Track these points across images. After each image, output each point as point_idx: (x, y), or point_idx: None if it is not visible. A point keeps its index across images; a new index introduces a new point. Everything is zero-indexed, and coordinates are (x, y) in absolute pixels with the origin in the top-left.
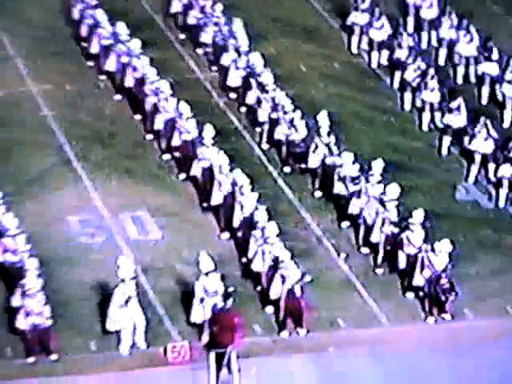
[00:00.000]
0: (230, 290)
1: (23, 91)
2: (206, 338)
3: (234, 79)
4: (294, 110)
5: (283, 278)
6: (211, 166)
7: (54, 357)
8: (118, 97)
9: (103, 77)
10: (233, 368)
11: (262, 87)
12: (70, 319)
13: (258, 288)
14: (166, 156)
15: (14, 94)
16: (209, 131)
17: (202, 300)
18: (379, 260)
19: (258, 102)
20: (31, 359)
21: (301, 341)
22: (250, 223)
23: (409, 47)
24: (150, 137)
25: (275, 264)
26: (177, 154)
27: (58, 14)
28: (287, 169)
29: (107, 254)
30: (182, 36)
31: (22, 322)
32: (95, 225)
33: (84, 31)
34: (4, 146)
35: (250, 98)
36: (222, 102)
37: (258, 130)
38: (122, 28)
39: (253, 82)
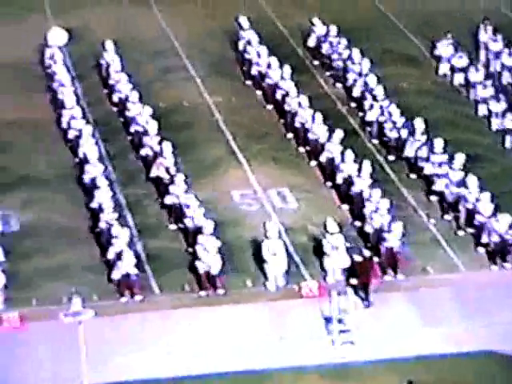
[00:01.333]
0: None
1: (202, 102)
2: (331, 279)
3: (356, 93)
4: (401, 116)
5: (385, 239)
6: (334, 157)
7: (221, 291)
8: (269, 107)
9: (259, 92)
10: (350, 299)
11: (375, 98)
12: (233, 264)
13: (368, 244)
14: (302, 149)
15: (195, 104)
16: (339, 134)
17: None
18: (461, 225)
19: (371, 109)
20: (203, 293)
21: (400, 283)
22: (362, 198)
23: (482, 71)
24: (290, 135)
25: (381, 229)
26: (308, 148)
27: (228, 45)
28: (391, 157)
29: (260, 218)
30: (316, 62)
31: (201, 267)
32: (251, 197)
33: (248, 59)
34: (188, 142)
35: (366, 106)
36: (344, 109)
37: (369, 129)
38: (273, 60)
39: (368, 95)
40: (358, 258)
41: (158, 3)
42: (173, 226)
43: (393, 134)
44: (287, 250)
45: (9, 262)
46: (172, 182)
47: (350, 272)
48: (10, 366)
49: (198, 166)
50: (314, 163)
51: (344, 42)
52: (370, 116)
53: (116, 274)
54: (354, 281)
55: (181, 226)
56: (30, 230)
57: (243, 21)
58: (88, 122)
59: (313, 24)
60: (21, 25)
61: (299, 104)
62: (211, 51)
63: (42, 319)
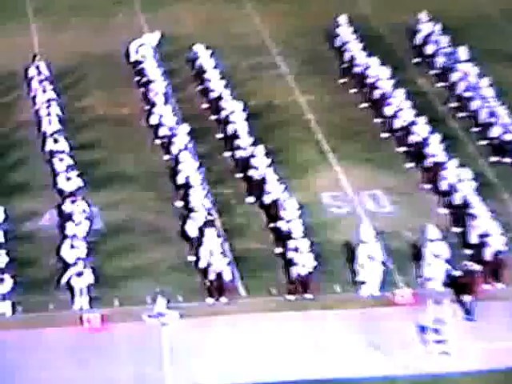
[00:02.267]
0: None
1: (293, 100)
2: (429, 287)
3: (460, 91)
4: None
5: (489, 244)
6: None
7: (309, 296)
8: (365, 105)
9: (354, 90)
10: (446, 309)
11: (483, 98)
12: (323, 268)
13: (470, 252)
14: (400, 149)
15: (286, 103)
16: (437, 139)
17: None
18: None
19: (481, 109)
20: (291, 297)
21: (499, 292)
22: (464, 204)
23: None
24: (385, 135)
25: (484, 235)
26: (410, 149)
27: (321, 42)
28: (494, 159)
29: (351, 221)
30: (415, 60)
31: (293, 271)
32: (343, 199)
33: (346, 57)
34: (279, 142)
35: (473, 105)
36: (445, 109)
37: (475, 130)
38: (373, 59)
39: (473, 93)
40: (457, 273)
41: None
42: (272, 225)
43: (506, 136)
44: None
45: (93, 260)
46: (264, 181)
47: (453, 284)
48: (92, 367)
49: (288, 167)
50: (410, 165)
51: (445, 40)
52: (481, 117)
53: (211, 275)
54: (457, 293)
55: (274, 225)
56: (116, 228)
57: (342, 19)
58: (178, 120)
59: (420, 22)
60: (110, 19)
61: (398, 105)
62: (304, 49)
63: (125, 320)
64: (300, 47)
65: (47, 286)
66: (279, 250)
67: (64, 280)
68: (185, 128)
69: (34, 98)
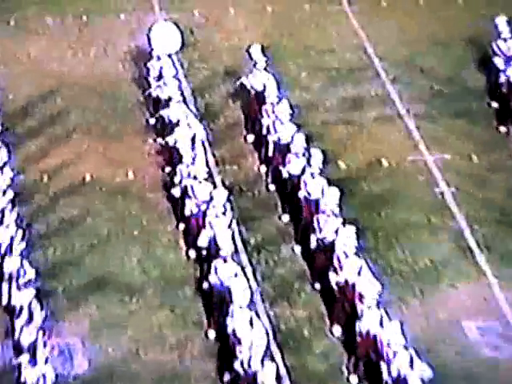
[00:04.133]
0: None
1: (415, 160)
2: None
3: None
4: None
5: None
6: None
7: None
8: None
9: None
10: None
11: None
12: None
13: None
14: None
15: (402, 163)
16: None
17: None
18: None
19: None
20: None
21: None
22: None
23: None
24: None
25: None
26: None
27: (470, 63)
28: None
29: None
30: None
31: None
32: (500, 334)
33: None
34: (393, 229)
35: None
36: None
37: None
38: None
39: None
40: None
41: None
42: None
43: None
44: None
45: None
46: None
47: None
48: None
49: (404, 272)
50: None
51: None
52: None
53: None
54: None
55: None
56: (110, 371)
57: (501, 22)
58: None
59: None
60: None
61: None
62: (437, 74)
63: None
64: (430, 69)
65: None
66: None
67: None
68: (222, 194)
69: None
